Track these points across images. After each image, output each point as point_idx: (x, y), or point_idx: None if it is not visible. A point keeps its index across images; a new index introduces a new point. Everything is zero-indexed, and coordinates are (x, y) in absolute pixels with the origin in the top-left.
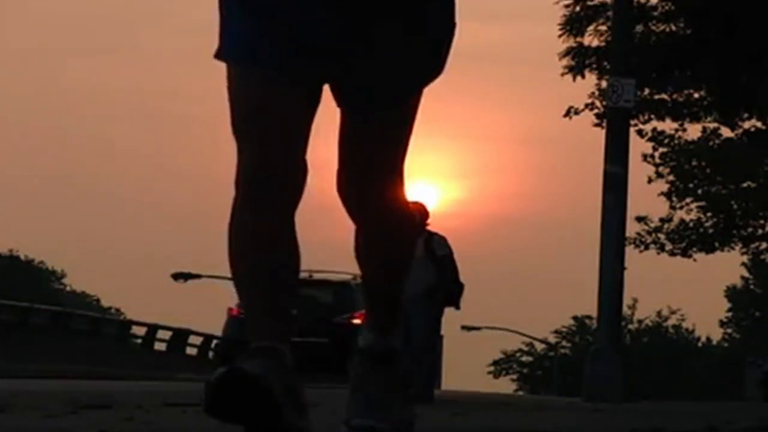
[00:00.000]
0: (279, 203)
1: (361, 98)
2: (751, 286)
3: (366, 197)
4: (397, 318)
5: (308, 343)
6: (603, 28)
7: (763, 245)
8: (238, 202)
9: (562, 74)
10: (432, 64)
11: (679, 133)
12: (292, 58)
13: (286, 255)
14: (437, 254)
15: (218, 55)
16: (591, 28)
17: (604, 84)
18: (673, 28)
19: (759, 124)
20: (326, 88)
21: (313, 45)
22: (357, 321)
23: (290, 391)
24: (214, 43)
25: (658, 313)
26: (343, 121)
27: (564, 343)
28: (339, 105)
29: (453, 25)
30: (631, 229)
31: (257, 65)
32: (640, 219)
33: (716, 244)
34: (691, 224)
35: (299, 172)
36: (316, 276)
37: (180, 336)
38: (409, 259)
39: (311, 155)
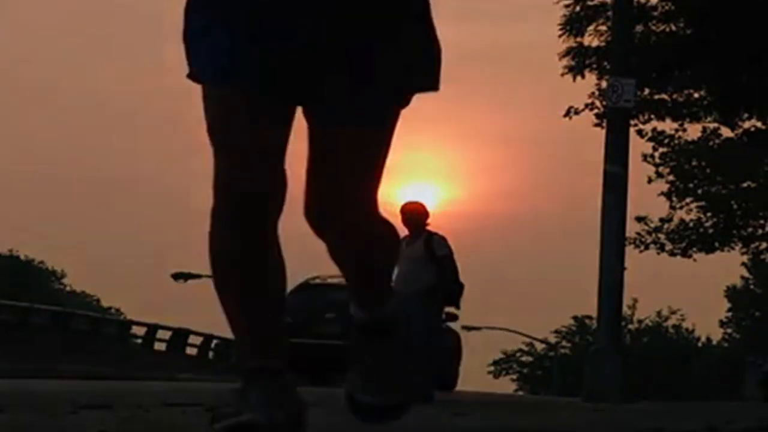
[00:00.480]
0: (259, 217)
1: (340, 112)
2: (751, 286)
3: (348, 212)
4: (388, 291)
5: (344, 346)
6: (603, 28)
7: (763, 245)
8: (218, 214)
9: (562, 74)
10: (409, 80)
11: (679, 133)
12: (269, 77)
13: (270, 268)
14: (437, 254)
15: (191, 76)
16: (591, 28)
17: (604, 84)
18: (673, 28)
19: (759, 124)
20: None
21: (290, 65)
22: None
23: (293, 419)
24: None
25: (658, 313)
26: (315, 139)
27: (564, 343)
28: (311, 122)
29: (432, 43)
30: (631, 229)
31: (234, 85)
32: (640, 219)
33: (716, 244)
34: (691, 224)
35: (277, 186)
36: None
37: (180, 336)
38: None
39: None
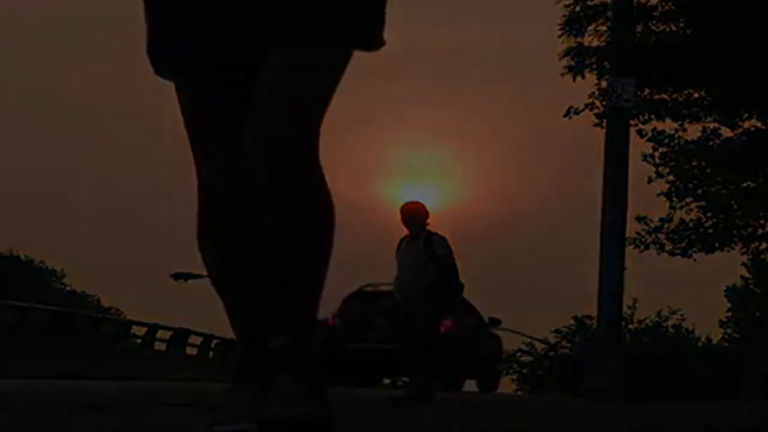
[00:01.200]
0: (234, 210)
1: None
2: (751, 286)
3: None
4: (311, 317)
5: (393, 350)
6: (603, 28)
7: (763, 245)
8: (200, 210)
9: (562, 74)
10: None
11: (679, 133)
12: (209, 68)
13: (257, 257)
14: (437, 254)
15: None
16: (591, 28)
17: (604, 84)
18: (673, 28)
19: (759, 124)
20: None
21: (224, 56)
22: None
23: (317, 386)
24: None
25: (658, 313)
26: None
27: (564, 343)
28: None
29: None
30: (631, 229)
31: (180, 77)
32: (640, 219)
33: (716, 244)
34: (691, 224)
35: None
36: None
37: (180, 336)
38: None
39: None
